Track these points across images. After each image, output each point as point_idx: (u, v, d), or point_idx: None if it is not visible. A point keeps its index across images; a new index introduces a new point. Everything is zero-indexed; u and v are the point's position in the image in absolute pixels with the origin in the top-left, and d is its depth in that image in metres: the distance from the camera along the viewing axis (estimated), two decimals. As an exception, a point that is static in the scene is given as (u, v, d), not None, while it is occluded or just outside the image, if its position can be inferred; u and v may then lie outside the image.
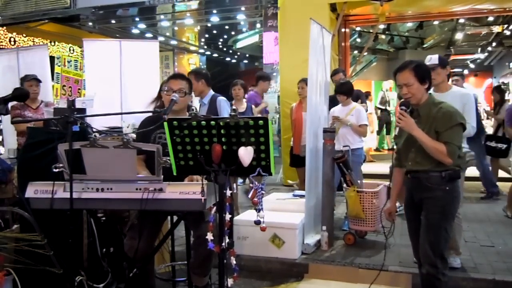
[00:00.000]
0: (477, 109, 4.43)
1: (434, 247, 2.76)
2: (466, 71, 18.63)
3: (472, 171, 6.51)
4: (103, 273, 3.04)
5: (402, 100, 2.88)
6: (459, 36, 13.24)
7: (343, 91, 5.09)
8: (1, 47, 11.30)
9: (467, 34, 13.04)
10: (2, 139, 6.43)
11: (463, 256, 3.99)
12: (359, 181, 4.64)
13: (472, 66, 18.64)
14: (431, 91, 3.84)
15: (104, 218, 3.35)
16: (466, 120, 2.83)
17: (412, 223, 2.99)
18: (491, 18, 11.10)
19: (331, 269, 4.04)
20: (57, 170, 2.52)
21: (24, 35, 12.42)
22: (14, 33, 12.24)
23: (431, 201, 2.78)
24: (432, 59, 3.72)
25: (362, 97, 6.31)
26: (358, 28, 11.63)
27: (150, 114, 3.20)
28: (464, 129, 2.80)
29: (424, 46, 14.39)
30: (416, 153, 2.83)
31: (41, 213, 2.66)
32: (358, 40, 13.15)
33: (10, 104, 3.14)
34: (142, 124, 3.21)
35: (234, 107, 2.22)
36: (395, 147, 3.06)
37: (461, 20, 11.41)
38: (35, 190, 2.66)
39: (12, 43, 12.20)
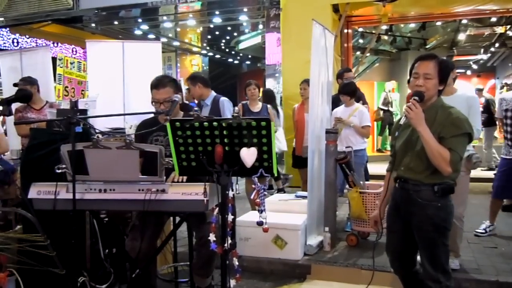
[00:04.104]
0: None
1: (433, 264, 2.56)
2: (469, 72, 18.59)
3: (476, 172, 6.54)
4: (106, 274, 3.05)
5: (416, 90, 2.56)
6: (461, 37, 13.20)
7: (347, 92, 5.08)
8: (4, 48, 11.34)
9: (470, 35, 13.00)
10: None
11: (467, 257, 3.98)
12: (361, 182, 4.63)
13: (475, 67, 18.57)
14: None
15: (106, 219, 3.35)
16: (473, 127, 2.58)
17: (394, 234, 2.76)
18: (494, 19, 11.05)
19: (334, 270, 4.04)
20: (60, 171, 2.53)
21: (27, 36, 12.48)
22: (17, 34, 12.30)
23: (423, 219, 2.54)
24: None
25: (363, 98, 6.30)
26: (360, 29, 11.59)
27: (150, 116, 3.20)
28: (470, 140, 2.59)
29: (427, 47, 14.35)
30: (412, 158, 2.59)
31: (44, 214, 2.67)
32: (361, 41, 13.12)
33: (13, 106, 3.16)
34: (139, 127, 3.21)
35: (236, 108, 2.23)
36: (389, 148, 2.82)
37: (464, 21, 11.37)
38: (38, 191, 2.67)
39: (15, 44, 12.26)
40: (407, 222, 2.65)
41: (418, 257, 2.72)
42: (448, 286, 2.57)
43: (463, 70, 17.61)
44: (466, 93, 3.79)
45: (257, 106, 5.71)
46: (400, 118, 2.68)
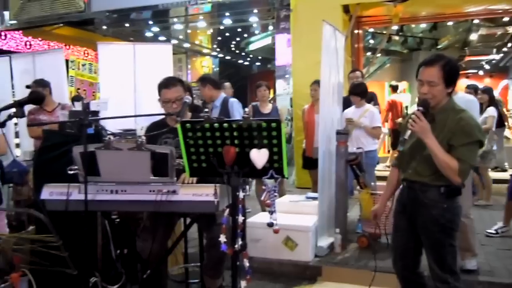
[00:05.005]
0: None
1: (441, 265, 2.53)
2: (481, 72, 18.41)
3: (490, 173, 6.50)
4: (117, 275, 3.06)
5: (421, 99, 2.51)
6: (474, 37, 13.09)
7: (357, 93, 5.07)
8: (17, 51, 11.47)
9: (482, 35, 12.88)
10: (19, 142, 6.51)
11: (479, 259, 3.94)
12: (372, 184, 4.61)
13: (487, 67, 18.39)
14: None
15: (118, 220, 3.37)
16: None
17: (399, 234, 2.75)
18: (506, 19, 10.94)
19: (345, 271, 4.02)
20: (72, 172, 2.55)
21: (40, 38, 12.61)
22: (30, 37, 12.43)
23: (428, 220, 2.52)
24: None
25: (375, 98, 6.27)
26: (371, 30, 11.56)
27: (161, 117, 3.22)
28: (481, 146, 2.52)
29: (439, 47, 14.24)
30: (419, 162, 2.56)
31: (56, 215, 2.69)
32: (371, 41, 13.08)
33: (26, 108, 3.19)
34: (148, 129, 3.22)
35: (246, 109, 2.23)
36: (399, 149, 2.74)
37: (476, 21, 11.28)
38: (51, 192, 2.69)
39: (28, 46, 12.40)
40: (413, 222, 2.63)
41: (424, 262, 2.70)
42: (457, 287, 2.55)
43: (475, 71, 17.42)
44: (465, 95, 3.75)
45: (268, 108, 5.72)
46: (409, 117, 2.63)
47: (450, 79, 2.47)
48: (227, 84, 6.87)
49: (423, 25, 12.36)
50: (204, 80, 5.01)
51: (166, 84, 3.08)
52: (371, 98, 5.95)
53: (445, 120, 2.48)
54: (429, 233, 2.55)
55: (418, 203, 2.57)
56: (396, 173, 2.82)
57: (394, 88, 11.34)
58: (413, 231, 2.64)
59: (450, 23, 12.00)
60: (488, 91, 7.03)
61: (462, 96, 3.72)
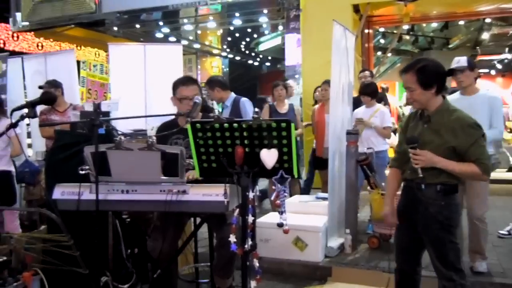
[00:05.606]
0: None
1: (443, 262, 2.58)
2: (493, 72, 18.24)
3: (501, 174, 6.42)
4: (128, 274, 3.08)
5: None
6: (485, 36, 12.99)
7: (368, 92, 5.05)
8: (29, 52, 11.60)
9: (493, 34, 12.78)
10: (31, 142, 6.57)
11: (491, 261, 3.90)
12: (383, 184, 4.58)
13: (499, 66, 18.23)
14: (457, 94, 3.81)
15: (129, 220, 3.39)
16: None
17: (401, 232, 2.82)
18: (518, 17, 10.85)
19: (355, 272, 4.00)
20: (83, 172, 2.57)
21: (51, 40, 12.74)
22: (42, 38, 12.56)
23: (427, 217, 2.58)
24: (460, 61, 3.62)
25: (385, 99, 6.25)
26: (381, 29, 11.50)
27: (170, 118, 3.23)
28: (484, 138, 2.56)
29: (450, 46, 14.15)
30: None
31: (68, 214, 2.71)
32: (382, 41, 13.02)
33: (38, 108, 3.22)
34: (159, 129, 3.24)
35: (256, 110, 2.23)
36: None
37: (488, 20, 11.18)
38: (62, 192, 2.72)
39: (40, 47, 12.53)
40: (413, 221, 2.68)
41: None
42: (463, 284, 2.58)
43: (487, 70, 17.28)
44: (488, 92, 3.72)
45: (284, 107, 5.70)
46: (408, 118, 2.79)
47: (426, 82, 2.52)
48: (291, 82, 6.75)
49: (434, 24, 12.27)
50: (211, 83, 5.00)
51: (184, 82, 3.13)
52: (382, 98, 5.93)
53: (440, 120, 2.55)
54: (429, 230, 2.60)
55: (417, 201, 2.62)
56: (395, 173, 2.87)
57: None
58: (414, 229, 2.69)
59: (461, 22, 11.90)
60: None
61: (485, 93, 3.69)
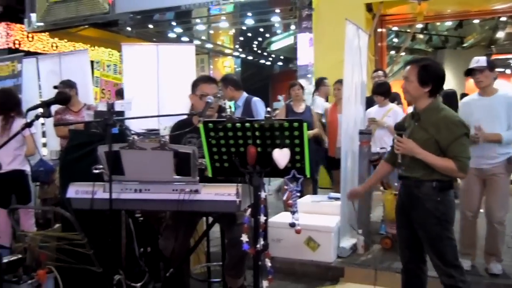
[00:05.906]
0: None
1: (442, 259, 2.65)
2: (508, 71, 17.99)
3: None
4: (141, 273, 3.10)
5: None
6: (500, 34, 12.82)
7: (381, 92, 5.01)
8: (44, 52, 11.73)
9: (509, 33, 12.61)
10: (46, 141, 6.64)
11: (506, 262, 3.86)
12: (395, 184, 4.55)
13: (515, 65, 18.00)
14: (475, 94, 3.77)
15: (141, 219, 3.41)
16: (469, 129, 2.69)
17: (402, 230, 2.89)
18: (534, 16, 10.69)
19: (368, 273, 3.97)
20: (97, 171, 2.59)
21: (66, 40, 12.87)
22: (56, 38, 12.70)
23: (423, 213, 2.66)
24: (480, 61, 3.58)
25: (398, 98, 6.19)
26: (395, 28, 11.41)
27: (184, 117, 3.25)
28: (468, 137, 2.67)
29: (464, 45, 13.99)
30: (412, 159, 2.70)
31: (81, 213, 2.74)
32: (395, 40, 12.91)
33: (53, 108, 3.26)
34: (173, 128, 3.25)
35: (268, 109, 2.23)
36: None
37: (503, 18, 11.03)
38: (76, 191, 2.75)
39: (54, 48, 12.67)
40: (411, 218, 2.75)
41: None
42: (463, 280, 2.63)
43: (502, 69, 17.03)
44: (507, 93, 3.67)
45: (301, 107, 5.68)
46: (405, 117, 2.94)
47: (424, 79, 2.65)
48: (326, 81, 6.71)
49: (448, 23, 12.13)
50: (226, 80, 5.03)
51: (205, 80, 3.21)
52: (394, 98, 5.88)
53: (429, 118, 2.67)
54: (426, 226, 2.68)
55: (413, 198, 2.71)
56: (385, 166, 3.03)
57: None
58: (413, 226, 2.76)
59: (476, 21, 11.76)
60: None
61: (504, 93, 3.64)
